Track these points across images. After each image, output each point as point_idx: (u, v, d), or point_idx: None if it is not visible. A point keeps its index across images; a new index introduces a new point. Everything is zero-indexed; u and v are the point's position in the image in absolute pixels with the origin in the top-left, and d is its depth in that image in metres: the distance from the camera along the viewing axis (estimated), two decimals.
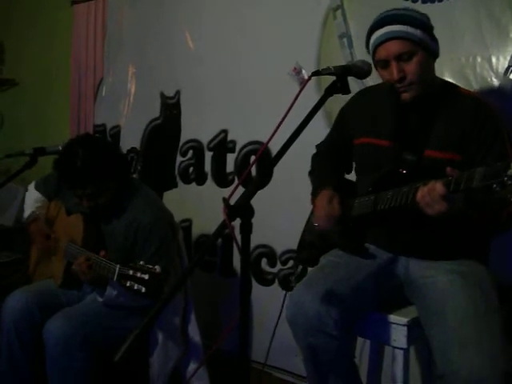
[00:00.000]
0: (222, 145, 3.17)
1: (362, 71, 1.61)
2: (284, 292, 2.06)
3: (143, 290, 1.86)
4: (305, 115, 1.52)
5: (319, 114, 1.63)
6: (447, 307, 1.64)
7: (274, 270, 2.98)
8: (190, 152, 3.34)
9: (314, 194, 2.00)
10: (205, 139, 3.25)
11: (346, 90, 1.58)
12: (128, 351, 1.17)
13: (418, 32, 1.73)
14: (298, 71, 2.63)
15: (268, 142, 1.48)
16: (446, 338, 1.59)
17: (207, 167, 3.26)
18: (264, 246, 2.99)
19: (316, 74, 1.56)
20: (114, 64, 3.75)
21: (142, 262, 1.91)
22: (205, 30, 3.23)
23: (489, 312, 1.63)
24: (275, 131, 1.47)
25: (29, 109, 4.48)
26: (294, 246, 2.75)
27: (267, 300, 2.87)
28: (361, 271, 1.81)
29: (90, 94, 3.91)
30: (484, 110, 1.77)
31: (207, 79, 3.21)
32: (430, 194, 1.52)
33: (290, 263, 2.88)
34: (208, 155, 3.25)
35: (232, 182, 3.15)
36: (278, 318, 2.03)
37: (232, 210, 1.28)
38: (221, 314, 3.14)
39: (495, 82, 2.27)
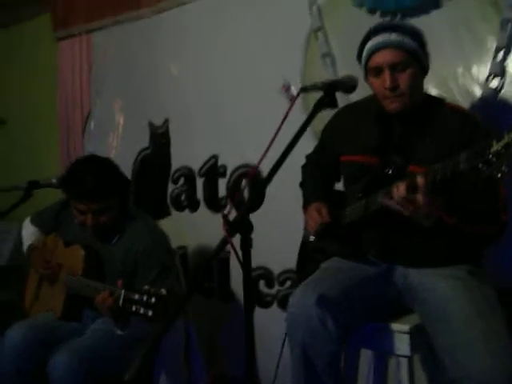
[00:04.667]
0: (213, 170, 3.19)
1: (348, 85, 1.64)
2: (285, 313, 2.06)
3: (150, 313, 1.85)
4: (293, 133, 1.54)
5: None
6: (450, 311, 1.67)
7: (273, 292, 2.98)
8: (182, 179, 3.36)
9: (305, 207, 2.04)
10: (195, 166, 3.28)
11: (334, 105, 1.61)
12: (137, 371, 1.18)
13: (414, 44, 1.77)
14: (287, 88, 2.69)
15: (259, 163, 1.50)
16: (453, 341, 1.62)
17: (199, 193, 3.28)
18: (261, 267, 3.00)
19: (304, 90, 1.60)
20: (101, 97, 3.78)
21: (147, 287, 1.90)
22: (189, 58, 3.28)
23: (491, 312, 1.66)
24: (265, 153, 1.50)
25: (18, 146, 4.50)
26: (292, 265, 2.77)
27: (267, 322, 2.86)
28: (359, 276, 1.83)
29: (78, 127, 3.94)
30: (471, 126, 1.80)
31: (194, 106, 3.25)
32: (409, 189, 1.55)
33: (288, 283, 2.89)
34: (199, 181, 3.27)
35: (225, 206, 3.17)
36: (284, 340, 1.89)
37: (232, 226, 1.30)
38: (222, 339, 3.12)
39: (477, 91, 2.31)
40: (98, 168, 2.33)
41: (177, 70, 3.35)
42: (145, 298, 1.89)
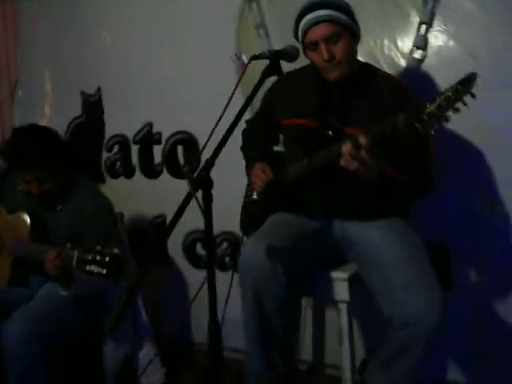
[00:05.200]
0: (148, 137, 3.27)
1: (291, 55, 1.79)
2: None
3: (104, 271, 1.94)
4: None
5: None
6: (384, 256, 1.86)
7: None
8: (116, 147, 3.41)
9: (248, 167, 2.18)
10: (130, 133, 3.33)
11: (279, 72, 1.76)
12: (118, 320, 1.29)
13: (343, 16, 1.91)
14: (238, 57, 2.79)
15: (211, 134, 1.59)
16: (388, 284, 1.81)
17: (134, 160, 3.35)
18: (197, 231, 3.12)
19: (254, 58, 1.73)
20: (30, 66, 3.73)
21: (99, 247, 1.98)
22: (122, 25, 3.30)
23: (422, 257, 1.87)
24: (217, 123, 1.58)
25: None
26: (228, 227, 2.93)
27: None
28: (303, 229, 2.00)
29: (5, 97, 3.89)
30: (401, 91, 1.99)
31: (128, 74, 3.29)
32: (350, 148, 1.71)
33: (225, 245, 3.04)
34: (134, 148, 3.34)
35: (160, 172, 3.26)
36: (228, 297, 1.98)
37: (196, 182, 1.41)
38: (163, 303, 3.23)
39: (402, 61, 2.51)
40: (38, 136, 2.35)
41: (109, 36, 3.36)
42: (98, 257, 1.97)
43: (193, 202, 1.60)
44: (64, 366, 2.35)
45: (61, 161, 2.40)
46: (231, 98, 1.59)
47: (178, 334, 3.22)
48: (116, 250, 1.97)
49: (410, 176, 1.89)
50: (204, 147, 1.60)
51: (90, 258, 1.98)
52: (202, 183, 1.44)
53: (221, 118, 1.57)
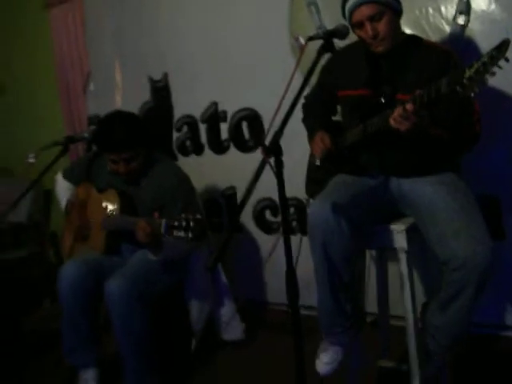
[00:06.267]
0: (214, 116, 3.53)
1: (342, 33, 2.01)
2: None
3: (190, 235, 2.20)
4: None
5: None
6: (437, 208, 2.07)
7: (278, 219, 3.38)
8: (185, 127, 3.70)
9: (310, 137, 2.41)
10: (197, 113, 3.61)
11: (333, 50, 1.98)
12: (216, 259, 1.56)
13: None
14: (296, 38, 3.02)
15: (277, 109, 1.83)
16: (441, 231, 2.01)
17: (203, 138, 3.63)
18: (266, 199, 3.39)
19: (310, 39, 1.95)
20: (99, 57, 4.05)
21: (183, 214, 2.24)
22: (185, 11, 3.55)
23: (472, 207, 2.06)
24: (282, 99, 1.80)
25: (18, 113, 4.75)
26: (292, 194, 3.17)
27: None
28: (362, 187, 2.22)
29: (79, 89, 4.22)
30: (445, 57, 2.16)
31: (192, 58, 3.56)
32: (401, 112, 1.92)
33: (292, 210, 3.28)
34: (202, 127, 3.61)
35: (228, 148, 3.53)
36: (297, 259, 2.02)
37: (268, 149, 1.65)
38: (237, 266, 3.47)
39: (446, 28, 2.68)
40: (125, 121, 2.65)
41: (175, 21, 3.60)
42: (184, 223, 2.23)
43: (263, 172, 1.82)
44: (156, 322, 2.67)
45: (144, 142, 2.69)
46: (293, 75, 1.82)
47: (252, 295, 3.51)
48: (198, 216, 2.24)
49: (454, 133, 2.09)
50: (272, 122, 1.83)
51: (176, 224, 2.24)
52: (274, 150, 1.66)
53: (285, 94, 1.80)
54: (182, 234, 2.23)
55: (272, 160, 1.69)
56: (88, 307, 2.66)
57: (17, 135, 4.77)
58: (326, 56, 2.21)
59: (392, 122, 1.96)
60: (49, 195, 4.33)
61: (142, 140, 2.68)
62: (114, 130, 2.59)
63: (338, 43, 2.08)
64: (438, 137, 2.08)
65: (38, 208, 4.34)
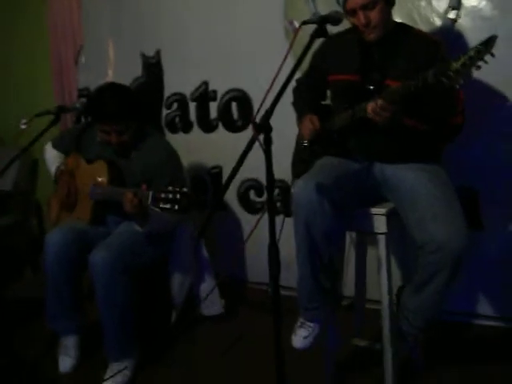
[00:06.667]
0: (205, 95, 3.58)
1: (336, 19, 2.05)
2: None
3: (176, 207, 2.26)
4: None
5: None
6: (418, 193, 2.15)
7: (262, 199, 3.45)
8: (175, 104, 3.74)
9: (300, 119, 2.47)
10: (187, 91, 3.66)
11: (326, 35, 2.03)
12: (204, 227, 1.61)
13: None
14: (290, 22, 3.06)
15: (269, 89, 1.86)
16: (421, 215, 2.10)
17: (192, 116, 3.67)
18: (251, 179, 3.45)
19: (304, 23, 2.00)
20: (93, 31, 4.07)
21: (170, 187, 2.28)
22: None
23: (451, 195, 2.14)
24: (273, 82, 1.84)
25: (8, 81, 4.76)
26: (278, 176, 3.21)
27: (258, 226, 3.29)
28: (347, 170, 2.30)
29: (70, 61, 4.24)
30: (435, 47, 2.23)
31: (185, 37, 3.60)
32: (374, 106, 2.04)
33: (276, 191, 3.35)
34: (192, 105, 3.66)
35: (216, 127, 3.58)
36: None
37: (259, 126, 1.71)
38: (219, 243, 3.53)
39: (437, 21, 2.75)
40: (119, 93, 2.69)
41: (171, 0, 3.65)
42: (170, 195, 2.28)
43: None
44: (138, 294, 2.72)
45: (136, 116, 2.73)
46: (285, 58, 1.87)
47: (232, 272, 3.58)
48: (185, 189, 2.30)
49: (433, 124, 2.18)
50: (262, 102, 1.88)
51: (163, 196, 2.29)
52: (264, 127, 1.72)
53: (276, 76, 1.85)
54: (168, 206, 2.28)
55: (261, 137, 1.75)
56: (72, 275, 2.71)
57: (8, 104, 4.77)
58: (318, 41, 2.26)
59: (369, 113, 2.07)
60: (36, 165, 4.36)
61: (135, 113, 2.72)
62: (108, 101, 2.62)
63: (331, 29, 2.13)
64: (414, 128, 2.17)
65: (24, 177, 4.35)
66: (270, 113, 1.75)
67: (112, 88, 2.73)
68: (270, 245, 1.79)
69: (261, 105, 1.89)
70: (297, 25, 3.06)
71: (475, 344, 2.75)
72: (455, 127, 2.22)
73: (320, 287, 2.25)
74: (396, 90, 2.04)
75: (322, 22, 2.00)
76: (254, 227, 2.29)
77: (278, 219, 1.93)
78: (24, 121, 2.77)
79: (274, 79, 1.86)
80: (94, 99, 2.73)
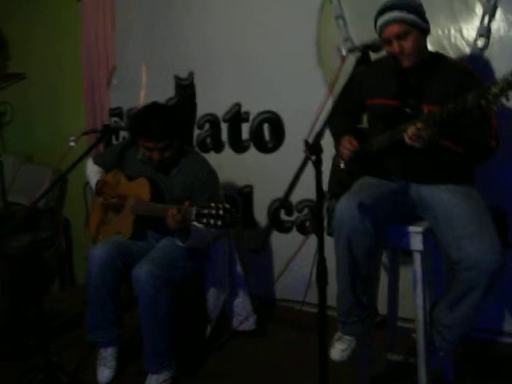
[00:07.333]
0: (237, 116, 3.70)
1: (377, 46, 2.20)
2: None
3: (219, 222, 2.37)
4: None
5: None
6: (453, 213, 2.25)
7: (292, 219, 3.55)
8: (207, 125, 3.85)
9: (337, 141, 2.58)
10: (220, 113, 3.77)
11: (369, 62, 2.16)
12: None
13: (412, 16, 2.29)
14: (338, 49, 3.16)
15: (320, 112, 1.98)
16: (456, 234, 2.20)
17: (224, 137, 3.79)
18: (281, 198, 3.55)
19: (351, 51, 2.13)
20: (126, 53, 4.17)
21: (212, 203, 2.40)
22: (213, 13, 3.71)
23: (485, 215, 2.25)
24: (324, 105, 1.98)
25: (39, 101, 4.84)
26: (308, 195, 3.33)
27: (288, 245, 3.32)
28: (385, 190, 2.40)
29: (103, 82, 4.34)
30: (467, 75, 2.35)
31: (219, 59, 3.71)
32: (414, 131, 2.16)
33: (306, 211, 3.46)
34: (224, 126, 3.77)
35: (247, 148, 3.69)
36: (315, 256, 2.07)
37: (311, 148, 1.81)
38: (247, 262, 3.56)
39: (467, 49, 2.86)
40: (163, 112, 2.82)
41: (203, 22, 3.75)
42: (213, 211, 2.40)
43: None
44: (177, 307, 2.82)
45: (180, 134, 2.86)
46: (334, 81, 1.99)
47: (263, 290, 3.66)
48: (227, 205, 2.41)
49: (469, 146, 2.29)
50: (314, 125, 1.97)
51: (206, 212, 2.41)
52: (316, 149, 1.83)
53: (327, 99, 1.97)
54: (212, 221, 2.39)
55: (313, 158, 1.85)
56: (114, 288, 2.81)
57: (36, 123, 4.90)
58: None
59: (410, 135, 2.17)
60: (64, 181, 4.47)
61: (178, 131, 2.85)
62: (153, 119, 2.74)
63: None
64: (450, 150, 2.28)
65: (53, 193, 4.50)
66: (320, 135, 1.86)
67: (156, 107, 2.86)
68: (319, 263, 1.88)
69: (312, 127, 1.98)
70: (344, 52, 3.15)
71: (502, 362, 2.82)
72: (489, 150, 2.33)
73: (359, 302, 2.34)
74: (435, 113, 2.16)
75: (366, 49, 2.13)
76: (299, 247, 2.40)
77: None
78: (72, 138, 2.87)
79: (325, 103, 1.96)
80: (139, 117, 2.85)
